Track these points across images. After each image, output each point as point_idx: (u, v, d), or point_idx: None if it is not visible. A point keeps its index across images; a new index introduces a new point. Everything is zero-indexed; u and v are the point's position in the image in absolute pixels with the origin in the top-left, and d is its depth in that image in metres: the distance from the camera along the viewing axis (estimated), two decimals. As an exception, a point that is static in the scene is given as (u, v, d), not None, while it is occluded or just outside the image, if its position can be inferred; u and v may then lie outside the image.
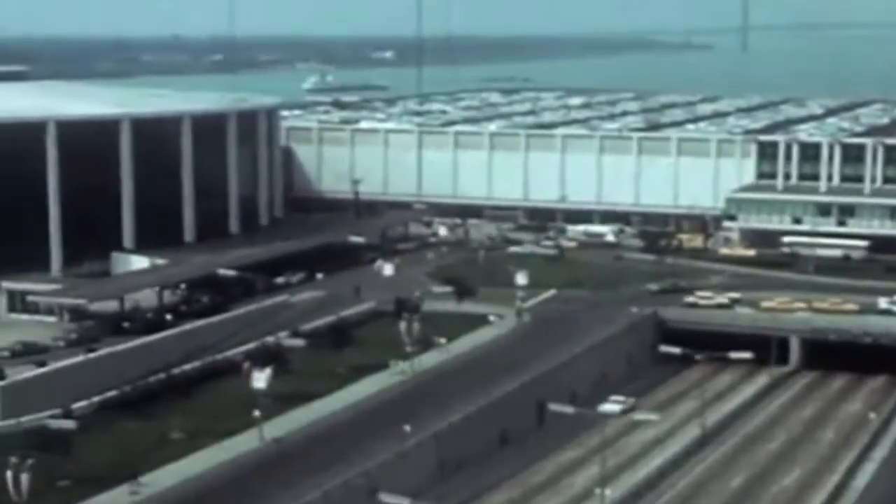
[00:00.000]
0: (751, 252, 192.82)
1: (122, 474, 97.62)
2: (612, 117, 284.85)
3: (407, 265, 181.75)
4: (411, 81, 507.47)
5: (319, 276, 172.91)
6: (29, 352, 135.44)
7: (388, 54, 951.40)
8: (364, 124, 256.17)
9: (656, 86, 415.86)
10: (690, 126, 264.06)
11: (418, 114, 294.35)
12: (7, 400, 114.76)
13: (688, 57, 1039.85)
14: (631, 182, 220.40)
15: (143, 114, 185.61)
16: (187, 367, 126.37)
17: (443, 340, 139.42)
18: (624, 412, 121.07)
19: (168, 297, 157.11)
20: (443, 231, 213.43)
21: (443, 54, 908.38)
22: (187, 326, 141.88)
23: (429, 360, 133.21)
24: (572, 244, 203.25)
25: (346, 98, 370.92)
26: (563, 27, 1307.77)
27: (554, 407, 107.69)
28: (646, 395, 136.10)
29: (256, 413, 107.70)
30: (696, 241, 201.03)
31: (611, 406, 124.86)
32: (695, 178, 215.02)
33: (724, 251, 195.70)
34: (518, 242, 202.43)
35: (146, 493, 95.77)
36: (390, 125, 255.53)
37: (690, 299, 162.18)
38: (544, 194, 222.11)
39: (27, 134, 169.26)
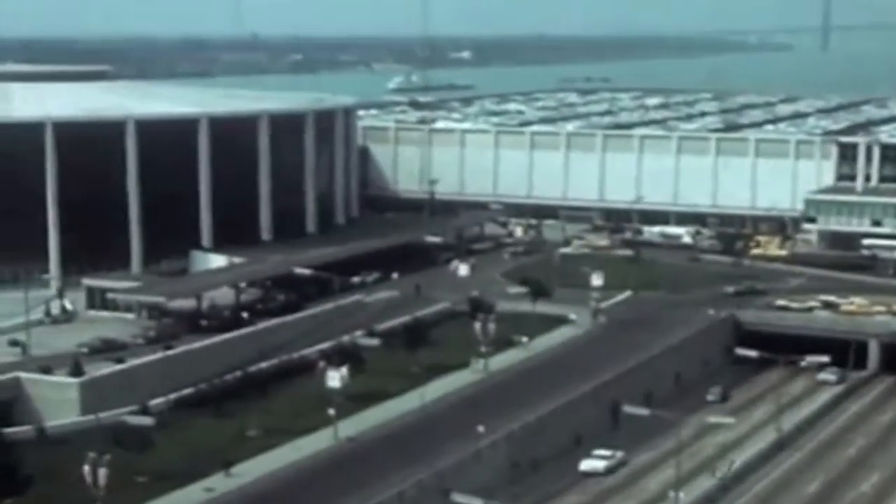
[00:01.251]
0: (782, 251, 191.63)
1: (197, 471, 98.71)
2: (689, 118, 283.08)
3: (482, 265, 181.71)
4: (491, 81, 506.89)
5: (395, 275, 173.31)
6: (108, 348, 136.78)
7: (466, 54, 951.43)
8: (441, 124, 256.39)
9: (735, 86, 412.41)
10: (769, 127, 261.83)
11: (495, 114, 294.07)
12: (86, 396, 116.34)
13: (767, 57, 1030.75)
14: (708, 183, 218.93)
15: (221, 113, 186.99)
16: (263, 365, 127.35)
17: (524, 339, 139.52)
18: (609, 470, 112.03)
19: (245, 295, 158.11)
20: (518, 231, 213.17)
21: (521, 54, 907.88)
22: (263, 325, 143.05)
23: (504, 360, 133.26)
24: (603, 242, 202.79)
25: (424, 98, 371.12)
26: (642, 28, 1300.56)
27: (629, 409, 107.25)
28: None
29: (331, 412, 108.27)
30: (774, 244, 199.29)
31: (593, 462, 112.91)
32: (773, 179, 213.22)
33: (757, 251, 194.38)
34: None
35: (221, 489, 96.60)
36: (467, 125, 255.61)
37: (780, 302, 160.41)
38: (620, 195, 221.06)
39: (108, 133, 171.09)
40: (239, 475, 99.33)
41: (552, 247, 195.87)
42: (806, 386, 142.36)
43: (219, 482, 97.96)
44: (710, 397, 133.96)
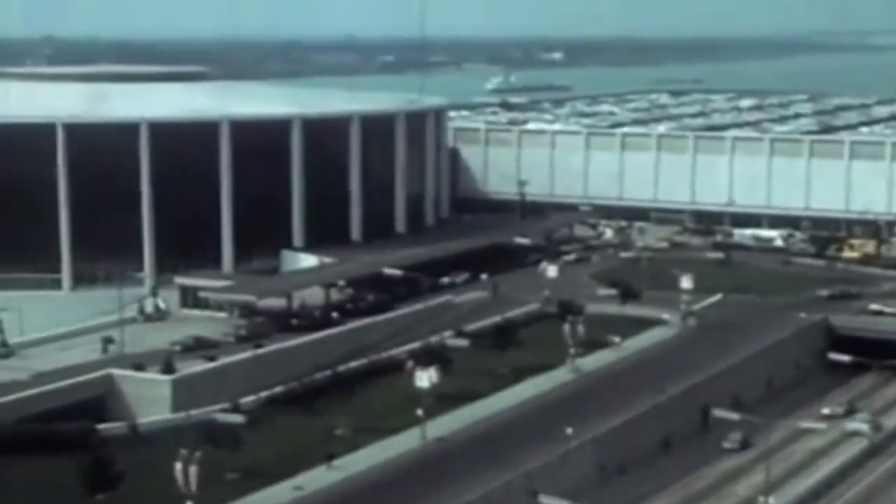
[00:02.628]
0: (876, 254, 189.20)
1: (287, 470, 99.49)
2: (783, 120, 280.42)
3: (572, 267, 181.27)
4: (584, 82, 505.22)
5: (484, 276, 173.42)
6: (200, 346, 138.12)
7: (557, 55, 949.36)
8: (531, 125, 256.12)
9: (829, 87, 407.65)
10: (864, 129, 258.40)
11: (586, 115, 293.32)
12: (177, 393, 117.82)
13: (863, 58, 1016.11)
14: (801, 186, 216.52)
15: (313, 114, 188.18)
16: (352, 364, 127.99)
17: (617, 339, 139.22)
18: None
19: (335, 295, 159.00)
20: (608, 233, 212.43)
21: (613, 55, 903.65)
22: (353, 324, 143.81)
23: (594, 361, 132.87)
24: (663, 244, 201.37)
25: (515, 99, 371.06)
26: (737, 29, 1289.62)
27: (718, 413, 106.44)
28: (812, 403, 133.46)
29: (419, 412, 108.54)
30: (868, 247, 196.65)
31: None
32: (868, 182, 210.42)
33: (851, 255, 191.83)
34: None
35: (309, 489, 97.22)
36: (557, 126, 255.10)
37: (874, 306, 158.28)
38: (712, 197, 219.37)
39: (202, 133, 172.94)
40: (340, 468, 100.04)
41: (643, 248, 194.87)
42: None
43: (308, 480, 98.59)
44: (726, 444, 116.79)
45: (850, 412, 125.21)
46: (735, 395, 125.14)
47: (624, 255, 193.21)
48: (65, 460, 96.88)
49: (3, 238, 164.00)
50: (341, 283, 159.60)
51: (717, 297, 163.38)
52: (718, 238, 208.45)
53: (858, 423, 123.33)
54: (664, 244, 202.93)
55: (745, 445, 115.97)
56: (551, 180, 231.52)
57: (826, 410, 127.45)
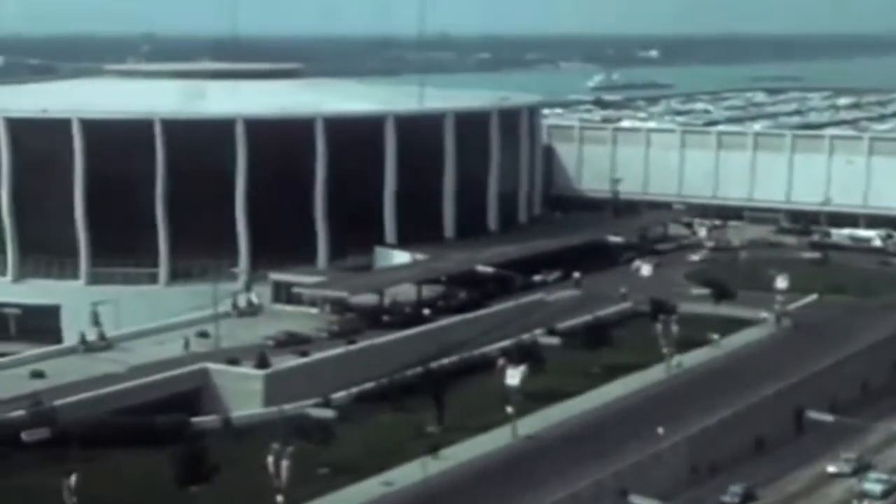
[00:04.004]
0: None
1: (374, 466, 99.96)
2: (882, 118, 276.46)
3: (665, 266, 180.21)
4: (683, 80, 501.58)
5: (576, 275, 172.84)
6: (292, 342, 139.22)
7: (654, 53, 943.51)
8: (626, 123, 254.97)
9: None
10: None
11: (681, 113, 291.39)
12: (270, 388, 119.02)
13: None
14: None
15: (407, 111, 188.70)
16: (443, 361, 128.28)
17: (716, 336, 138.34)
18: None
19: (427, 292, 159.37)
20: (702, 232, 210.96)
21: (710, 53, 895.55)
22: (444, 322, 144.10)
23: (686, 361, 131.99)
24: (736, 243, 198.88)
25: (610, 96, 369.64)
26: (836, 26, 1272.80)
27: (813, 414, 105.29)
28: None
29: (510, 410, 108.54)
30: None
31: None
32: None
33: None
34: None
35: (399, 485, 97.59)
36: (652, 124, 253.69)
37: None
38: (808, 197, 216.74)
39: (297, 130, 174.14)
40: (415, 472, 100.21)
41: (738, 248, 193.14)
42: None
43: (397, 477, 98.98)
44: (726, 499, 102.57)
45: (747, 499, 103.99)
46: (830, 396, 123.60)
47: (695, 257, 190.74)
48: (160, 453, 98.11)
49: (102, 233, 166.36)
50: (443, 278, 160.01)
51: (813, 297, 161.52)
52: (815, 238, 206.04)
53: None
54: (738, 242, 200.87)
55: (748, 498, 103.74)
56: (645, 178, 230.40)
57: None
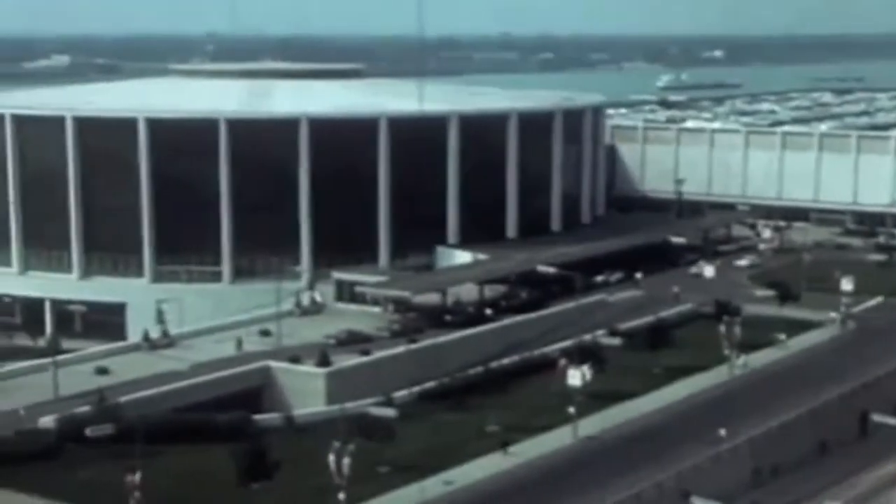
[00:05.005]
0: None
1: (435, 464, 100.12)
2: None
3: (729, 267, 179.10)
4: (752, 81, 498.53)
5: (638, 275, 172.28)
6: (354, 340, 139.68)
7: (718, 53, 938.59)
8: (690, 123, 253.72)
9: None
10: None
11: (746, 113, 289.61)
12: (332, 386, 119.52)
13: None
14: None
15: (470, 111, 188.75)
16: (505, 361, 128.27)
17: (783, 336, 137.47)
18: None
19: (488, 292, 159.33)
20: (767, 233, 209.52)
21: (776, 53, 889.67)
22: (506, 322, 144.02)
23: (752, 362, 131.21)
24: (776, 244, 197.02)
25: (674, 97, 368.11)
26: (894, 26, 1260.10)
27: (878, 418, 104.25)
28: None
29: (571, 410, 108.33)
30: None
31: None
32: None
33: None
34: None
35: (460, 484, 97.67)
36: (716, 125, 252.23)
37: None
38: (874, 198, 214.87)
39: (360, 130, 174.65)
40: (474, 471, 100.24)
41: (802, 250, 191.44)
42: None
43: (458, 476, 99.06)
44: None
45: None
46: (895, 399, 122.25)
47: (741, 262, 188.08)
48: (222, 450, 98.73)
49: (167, 231, 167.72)
50: (512, 278, 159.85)
51: (878, 299, 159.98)
52: (881, 239, 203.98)
53: None
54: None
55: None
56: (709, 179, 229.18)
57: None
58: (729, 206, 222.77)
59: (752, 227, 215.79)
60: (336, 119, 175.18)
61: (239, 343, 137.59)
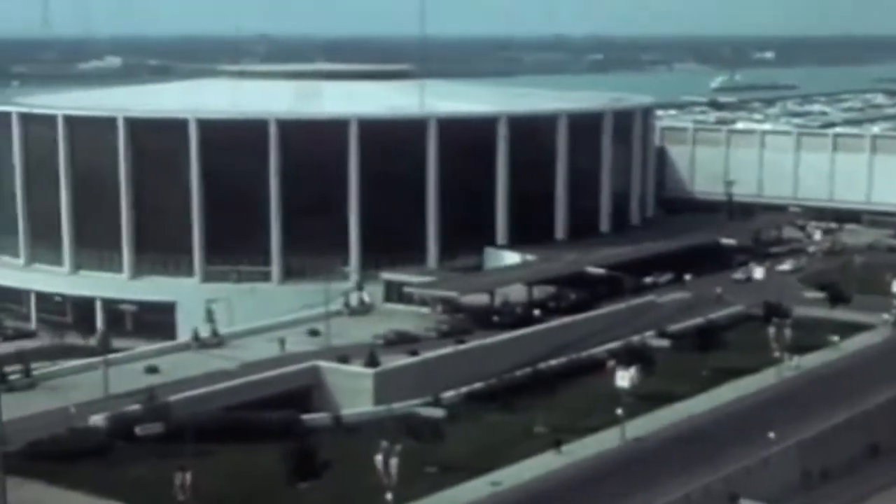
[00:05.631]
0: None
1: (482, 465, 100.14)
2: None
3: (772, 271, 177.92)
4: (804, 81, 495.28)
5: (687, 277, 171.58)
6: (402, 341, 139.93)
7: (769, 54, 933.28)
8: (740, 125, 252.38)
9: None
10: None
11: (797, 115, 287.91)
12: (380, 386, 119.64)
13: None
14: None
15: (520, 112, 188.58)
16: (552, 362, 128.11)
17: (836, 338, 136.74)
18: None
19: (537, 293, 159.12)
20: (818, 235, 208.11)
21: (829, 54, 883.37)
22: (554, 323, 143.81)
23: (802, 364, 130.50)
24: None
25: (724, 98, 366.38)
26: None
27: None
28: None
29: (619, 412, 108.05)
30: None
31: None
32: None
33: None
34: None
35: (507, 485, 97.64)
36: (767, 126, 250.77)
37: None
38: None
39: (410, 131, 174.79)
40: (521, 472, 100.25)
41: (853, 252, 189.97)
42: None
43: (505, 476, 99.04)
44: None
45: None
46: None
47: (784, 266, 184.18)
48: (271, 448, 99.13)
49: (217, 231, 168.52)
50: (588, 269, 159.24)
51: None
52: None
53: None
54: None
55: None
56: (759, 181, 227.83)
57: None
58: (780, 208, 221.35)
59: (803, 228, 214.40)
60: (385, 120, 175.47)
61: (282, 343, 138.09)
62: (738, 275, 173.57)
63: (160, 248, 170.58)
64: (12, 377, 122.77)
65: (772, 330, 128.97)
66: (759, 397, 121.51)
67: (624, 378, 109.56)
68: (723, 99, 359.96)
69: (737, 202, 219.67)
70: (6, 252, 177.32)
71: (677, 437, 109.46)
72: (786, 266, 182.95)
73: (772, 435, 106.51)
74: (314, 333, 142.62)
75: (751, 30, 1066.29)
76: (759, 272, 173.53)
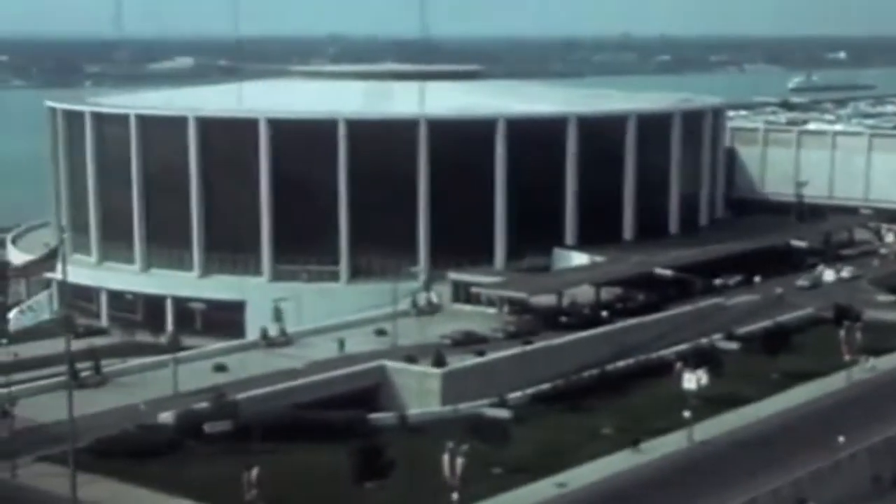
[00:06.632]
0: None
1: (548, 466, 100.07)
2: None
3: (850, 272, 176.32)
4: (882, 82, 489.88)
5: (757, 279, 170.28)
6: (469, 341, 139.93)
7: (842, 55, 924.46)
8: (812, 126, 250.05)
9: None
10: None
11: (870, 116, 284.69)
12: (447, 386, 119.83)
13: None
14: None
15: (588, 113, 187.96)
16: (620, 364, 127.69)
17: None
18: None
19: (604, 294, 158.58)
20: (890, 237, 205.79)
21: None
22: (622, 324, 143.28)
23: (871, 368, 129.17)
24: None
25: (795, 99, 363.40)
26: None
27: None
28: None
29: (686, 414, 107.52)
30: None
31: None
32: None
33: None
34: None
35: (573, 486, 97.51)
36: (839, 127, 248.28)
37: None
38: None
39: (478, 131, 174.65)
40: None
41: None
42: None
43: (571, 478, 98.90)
44: None
45: None
46: None
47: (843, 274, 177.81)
48: (337, 447, 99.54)
49: (285, 231, 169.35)
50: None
51: None
52: None
53: None
54: None
55: None
56: (831, 182, 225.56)
57: None
58: (851, 210, 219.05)
59: (876, 231, 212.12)
60: (454, 120, 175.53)
61: (341, 344, 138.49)
62: (802, 281, 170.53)
63: (229, 246, 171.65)
64: (83, 374, 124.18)
65: (842, 333, 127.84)
66: (829, 401, 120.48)
67: (691, 380, 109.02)
68: (794, 99, 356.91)
69: (807, 204, 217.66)
70: (79, 250, 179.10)
71: (745, 441, 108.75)
72: (844, 273, 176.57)
73: (842, 439, 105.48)
74: (381, 333, 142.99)
75: (821, 30, 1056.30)
76: (829, 274, 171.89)
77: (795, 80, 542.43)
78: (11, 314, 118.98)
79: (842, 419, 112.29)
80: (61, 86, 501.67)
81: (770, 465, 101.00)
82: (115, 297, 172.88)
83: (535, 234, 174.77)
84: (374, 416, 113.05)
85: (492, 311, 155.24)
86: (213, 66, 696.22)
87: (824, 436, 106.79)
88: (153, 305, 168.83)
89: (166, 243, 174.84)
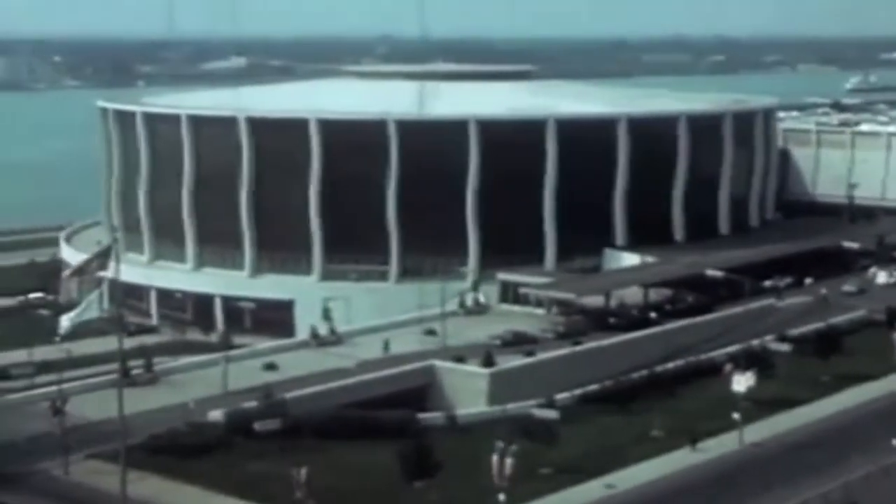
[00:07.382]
0: None
1: (597, 467, 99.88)
2: None
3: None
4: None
5: (808, 280, 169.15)
6: (518, 342, 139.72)
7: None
8: (865, 127, 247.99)
9: None
10: None
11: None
12: (495, 387, 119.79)
13: None
14: None
15: (639, 113, 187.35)
16: (669, 365, 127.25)
17: None
18: None
19: (654, 295, 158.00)
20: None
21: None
22: (671, 325, 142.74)
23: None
24: None
25: (849, 100, 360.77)
26: None
27: None
28: None
29: (736, 416, 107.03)
30: None
31: None
32: None
33: None
34: None
35: (622, 487, 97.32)
36: (893, 128, 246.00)
37: None
38: None
39: (529, 131, 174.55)
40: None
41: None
42: None
43: (619, 479, 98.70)
44: None
45: None
46: None
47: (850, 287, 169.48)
48: (386, 447, 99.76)
49: (335, 230, 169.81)
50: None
51: None
52: None
53: None
54: None
55: None
56: (884, 184, 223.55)
57: None
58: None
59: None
60: (505, 121, 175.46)
61: (386, 345, 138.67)
62: (848, 286, 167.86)
63: (280, 246, 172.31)
64: (134, 372, 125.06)
65: (895, 335, 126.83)
66: (882, 403, 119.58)
67: (741, 382, 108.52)
68: (846, 100, 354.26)
69: (860, 205, 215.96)
70: (131, 249, 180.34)
71: (796, 443, 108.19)
72: (849, 287, 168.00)
73: (894, 442, 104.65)
74: (430, 333, 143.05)
75: (874, 31, 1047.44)
76: (882, 277, 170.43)
77: (853, 81, 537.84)
78: (61, 319, 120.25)
79: (894, 422, 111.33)
80: (115, 85, 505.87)
81: (821, 467, 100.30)
82: (165, 295, 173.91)
83: (585, 234, 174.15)
84: (423, 415, 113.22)
85: (540, 311, 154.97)
86: (267, 65, 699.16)
87: (876, 439, 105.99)
88: (203, 304, 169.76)
89: (217, 242, 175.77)
